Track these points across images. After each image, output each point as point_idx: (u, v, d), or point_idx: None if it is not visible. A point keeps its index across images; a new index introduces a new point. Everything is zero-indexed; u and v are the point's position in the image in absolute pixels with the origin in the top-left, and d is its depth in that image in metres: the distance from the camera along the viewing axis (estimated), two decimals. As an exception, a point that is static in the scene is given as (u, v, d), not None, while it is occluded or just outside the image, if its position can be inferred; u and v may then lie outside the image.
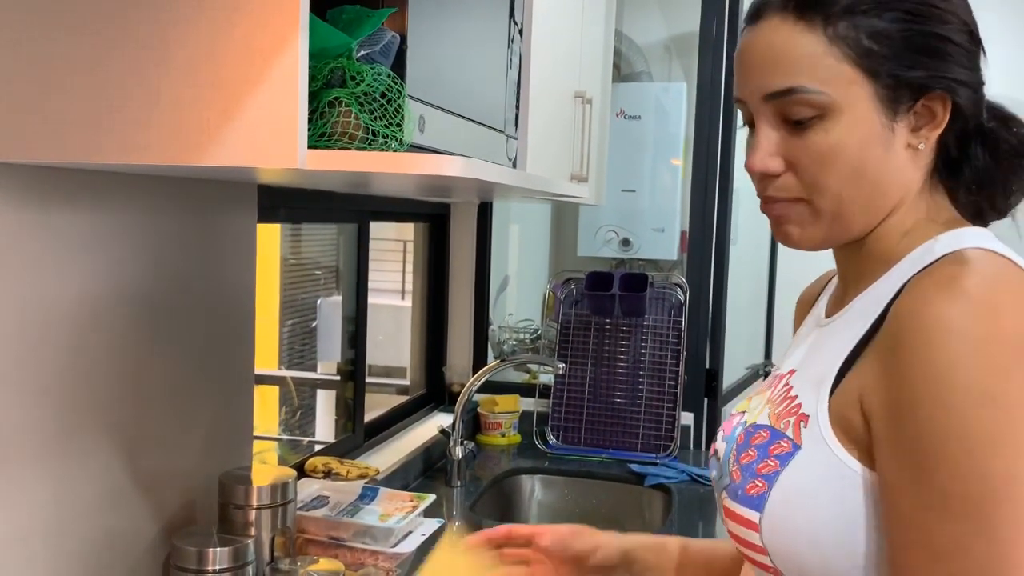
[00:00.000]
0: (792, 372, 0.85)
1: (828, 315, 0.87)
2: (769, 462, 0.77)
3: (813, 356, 0.83)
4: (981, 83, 0.79)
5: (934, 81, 0.76)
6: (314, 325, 2.82)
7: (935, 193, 0.81)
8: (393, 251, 3.24)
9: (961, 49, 0.77)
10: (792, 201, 0.79)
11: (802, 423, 0.77)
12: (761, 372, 3.04)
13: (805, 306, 0.98)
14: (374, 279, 2.09)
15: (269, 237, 2.43)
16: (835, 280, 0.92)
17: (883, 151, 0.76)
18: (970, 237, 0.76)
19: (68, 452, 1.05)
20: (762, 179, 0.80)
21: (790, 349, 0.93)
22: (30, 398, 0.99)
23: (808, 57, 0.75)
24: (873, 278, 0.80)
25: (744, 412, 0.89)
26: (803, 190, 0.78)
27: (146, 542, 1.19)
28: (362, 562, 1.41)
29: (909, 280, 0.75)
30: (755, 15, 0.79)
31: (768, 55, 0.77)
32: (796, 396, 0.80)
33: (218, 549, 1.16)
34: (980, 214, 0.83)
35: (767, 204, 0.82)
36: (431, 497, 1.58)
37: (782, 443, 0.78)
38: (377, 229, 2.10)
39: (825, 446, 0.75)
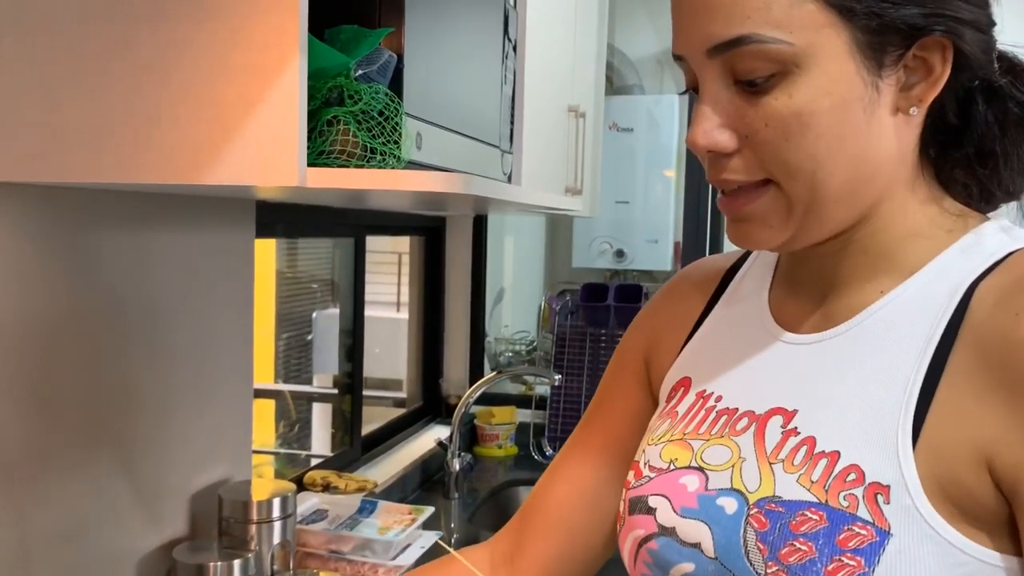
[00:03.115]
0: (783, 412, 0.63)
1: (795, 327, 0.67)
2: (845, 560, 0.55)
3: (818, 387, 0.63)
4: (992, 23, 0.61)
5: (931, 21, 0.57)
6: (310, 338, 2.83)
7: (926, 171, 0.65)
8: (388, 263, 3.25)
9: None
10: (757, 187, 0.61)
11: (879, 496, 0.56)
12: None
13: (690, 295, 0.78)
14: (369, 291, 2.10)
15: (264, 251, 2.44)
16: (753, 273, 0.75)
17: (865, 117, 0.58)
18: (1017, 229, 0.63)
19: (68, 466, 1.06)
20: (713, 160, 0.62)
21: (713, 363, 0.71)
22: (29, 413, 1.00)
23: None
24: (884, 283, 0.63)
25: (701, 469, 0.65)
26: (767, 169, 0.60)
27: (147, 556, 1.19)
28: (362, 575, 1.42)
29: (977, 286, 0.59)
30: None
31: None
32: (838, 452, 0.59)
33: (219, 563, 1.16)
34: (988, 197, 0.66)
35: (729, 198, 0.63)
36: (429, 510, 1.59)
37: (856, 528, 0.56)
38: (372, 242, 2.12)
39: (927, 529, 0.55)
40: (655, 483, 0.67)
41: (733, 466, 0.63)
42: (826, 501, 0.57)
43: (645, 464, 0.70)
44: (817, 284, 0.67)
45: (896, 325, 0.61)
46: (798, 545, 0.57)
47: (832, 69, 0.57)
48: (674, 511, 0.64)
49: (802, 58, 0.57)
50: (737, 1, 0.57)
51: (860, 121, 0.58)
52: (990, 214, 0.66)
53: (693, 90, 0.64)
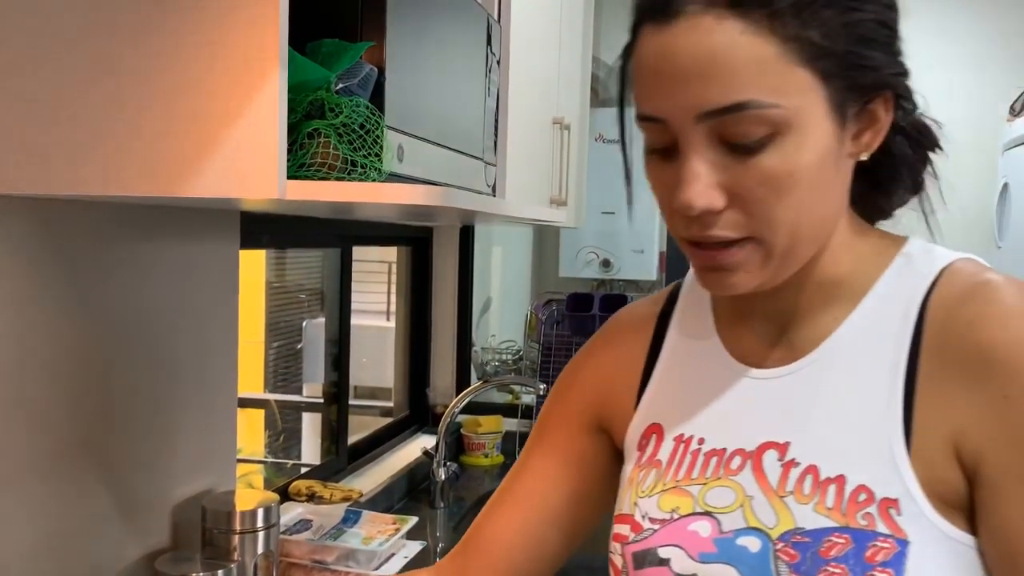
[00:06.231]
0: (775, 445, 0.66)
1: (758, 362, 0.70)
2: (877, 573, 0.59)
3: (802, 416, 0.66)
4: (908, 70, 0.66)
5: (888, 79, 0.63)
6: (299, 347, 2.83)
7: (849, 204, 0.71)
8: (378, 272, 3.25)
9: (894, 33, 0.64)
10: (740, 243, 0.63)
11: (891, 509, 0.61)
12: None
13: (628, 339, 0.80)
14: (359, 300, 2.10)
15: (254, 262, 2.44)
16: (689, 313, 0.77)
17: (835, 167, 0.63)
18: (938, 248, 0.70)
19: (50, 478, 1.06)
20: (700, 218, 0.63)
21: (682, 406, 0.73)
22: (10, 423, 1.00)
23: (757, 63, 0.58)
24: (836, 311, 0.68)
25: (708, 513, 0.66)
26: (752, 226, 0.62)
27: (129, 567, 1.19)
28: (345, 585, 1.42)
29: (927, 304, 0.64)
30: (667, 10, 0.61)
31: (703, 63, 0.59)
32: (843, 476, 0.62)
33: (201, 574, 1.16)
34: (881, 213, 0.73)
35: (706, 250, 0.64)
36: (413, 519, 1.59)
37: (879, 543, 0.60)
38: (362, 251, 2.12)
39: (934, 529, 0.60)
40: (662, 534, 0.68)
41: (742, 505, 0.65)
42: (847, 524, 0.61)
43: (643, 516, 0.70)
44: (773, 318, 0.71)
45: (861, 348, 0.66)
46: (831, 569, 0.60)
47: (816, 128, 0.61)
48: (691, 558, 0.65)
49: (792, 120, 0.60)
50: (735, 69, 0.59)
51: (832, 171, 0.63)
52: (908, 235, 0.72)
53: (659, 152, 0.64)
